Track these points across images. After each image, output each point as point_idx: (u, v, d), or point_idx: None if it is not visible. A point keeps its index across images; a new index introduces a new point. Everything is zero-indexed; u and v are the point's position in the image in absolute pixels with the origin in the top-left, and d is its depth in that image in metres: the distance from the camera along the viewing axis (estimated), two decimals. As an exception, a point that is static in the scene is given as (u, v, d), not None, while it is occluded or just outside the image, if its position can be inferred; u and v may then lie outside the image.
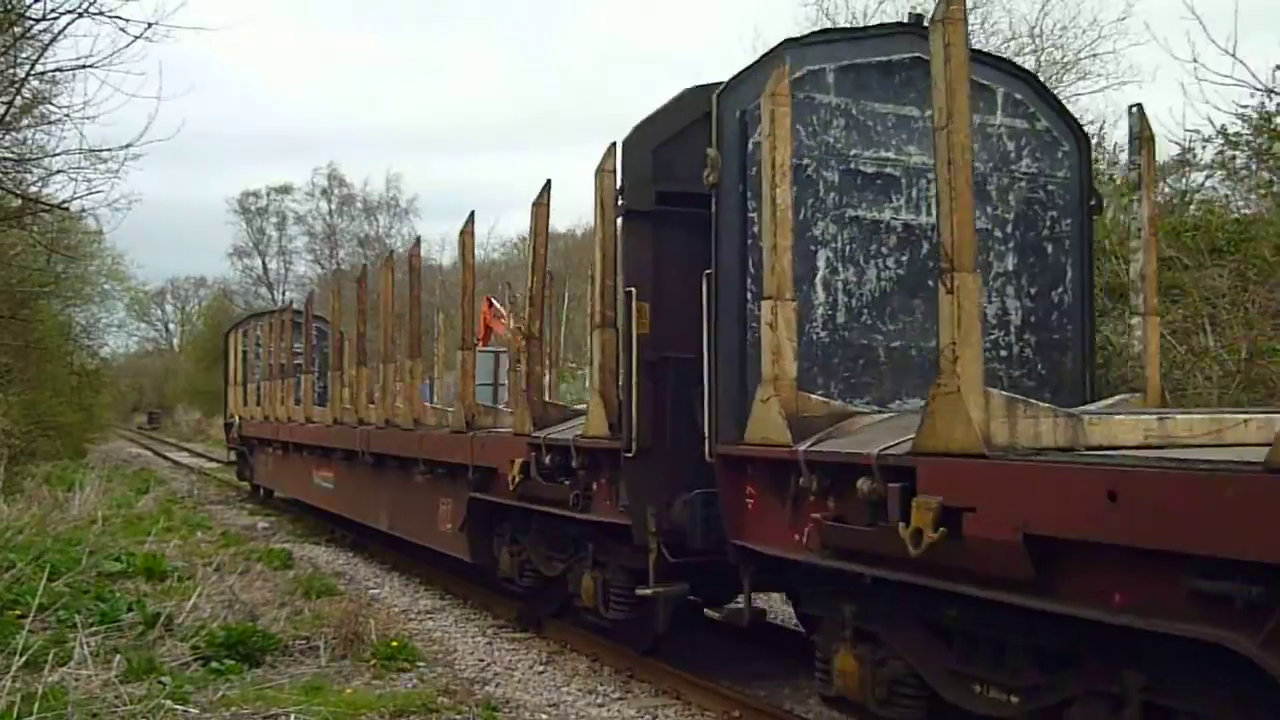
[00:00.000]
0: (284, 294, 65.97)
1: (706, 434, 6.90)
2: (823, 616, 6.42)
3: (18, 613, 8.89)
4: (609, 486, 8.19)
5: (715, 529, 7.05)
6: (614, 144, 7.91)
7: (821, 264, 7.18)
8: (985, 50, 10.26)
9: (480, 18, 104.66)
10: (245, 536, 16.90)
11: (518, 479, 9.37)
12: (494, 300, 32.65)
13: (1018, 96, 7.73)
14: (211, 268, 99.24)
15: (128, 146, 13.61)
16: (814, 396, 6.53)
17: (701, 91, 7.33)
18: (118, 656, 7.98)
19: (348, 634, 9.34)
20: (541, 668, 9.19)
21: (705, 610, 7.64)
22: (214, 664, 8.30)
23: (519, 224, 75.97)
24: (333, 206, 65.03)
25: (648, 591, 7.73)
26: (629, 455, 7.60)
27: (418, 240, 12.29)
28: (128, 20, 12.56)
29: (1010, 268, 7.64)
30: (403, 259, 16.25)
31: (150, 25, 12.33)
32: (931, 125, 5.37)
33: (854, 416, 6.41)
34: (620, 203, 7.75)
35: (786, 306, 6.38)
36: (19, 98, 14.16)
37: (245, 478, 24.74)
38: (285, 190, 65.85)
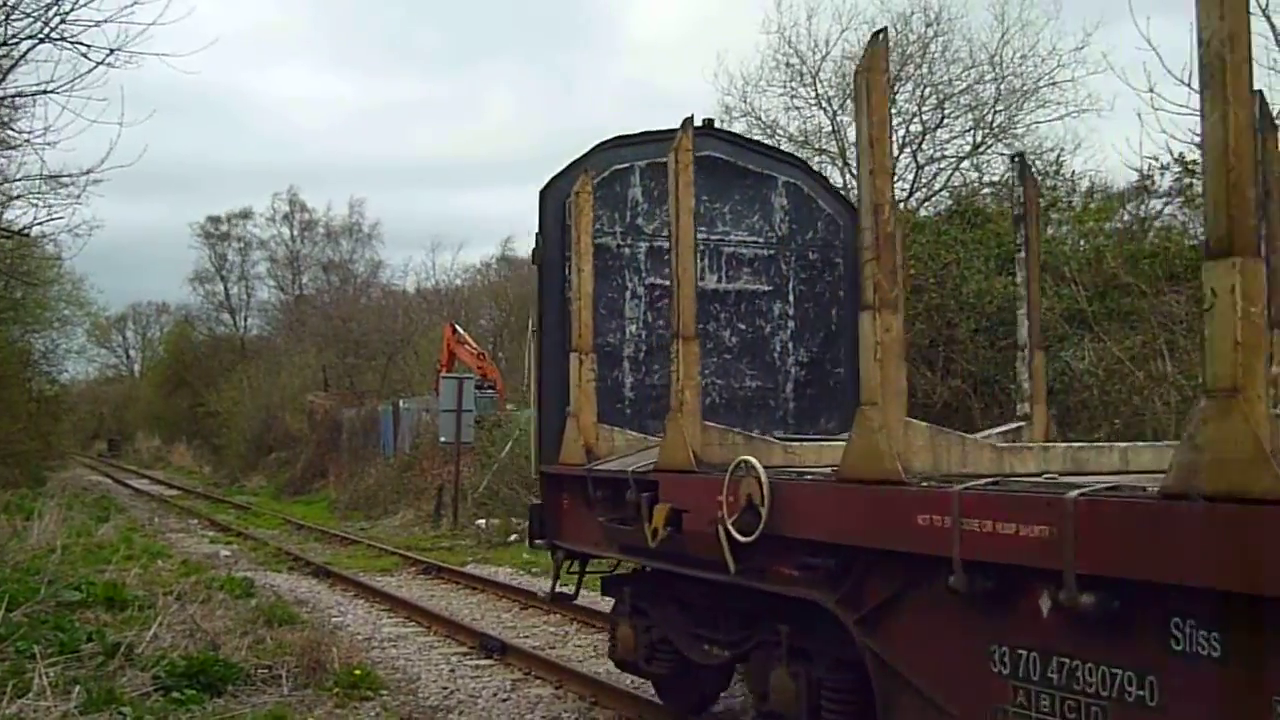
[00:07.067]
0: (246, 320, 65.22)
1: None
2: (613, 597, 8.05)
3: (-25, 644, 8.79)
4: None
5: None
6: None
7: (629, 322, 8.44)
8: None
9: (499, 65, 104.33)
10: (206, 565, 16.74)
11: None
12: (457, 327, 32.67)
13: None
14: (174, 293, 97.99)
15: (89, 172, 13.54)
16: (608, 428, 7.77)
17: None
18: (77, 687, 7.88)
19: (310, 662, 9.28)
20: (505, 695, 9.16)
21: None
22: (175, 694, 8.21)
23: (485, 253, 75.95)
24: (295, 232, 64.51)
25: None
26: None
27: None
28: (90, 46, 12.55)
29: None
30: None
31: (113, 51, 12.34)
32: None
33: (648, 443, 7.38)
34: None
35: (588, 359, 7.67)
36: (-22, 123, 14.09)
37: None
38: (245, 215, 65.26)
